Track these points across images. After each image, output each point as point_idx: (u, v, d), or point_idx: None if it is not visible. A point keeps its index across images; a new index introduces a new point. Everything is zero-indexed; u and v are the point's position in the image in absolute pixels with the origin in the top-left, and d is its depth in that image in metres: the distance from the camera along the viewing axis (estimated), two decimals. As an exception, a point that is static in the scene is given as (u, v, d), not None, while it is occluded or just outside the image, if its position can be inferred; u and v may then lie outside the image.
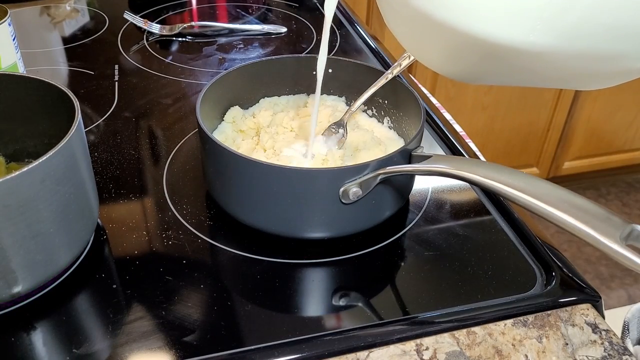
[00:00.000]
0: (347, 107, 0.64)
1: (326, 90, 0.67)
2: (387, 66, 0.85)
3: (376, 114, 0.65)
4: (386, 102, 0.63)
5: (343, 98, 0.67)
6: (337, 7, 1.08)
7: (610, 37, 0.37)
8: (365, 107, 0.65)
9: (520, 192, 0.43)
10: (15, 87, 0.52)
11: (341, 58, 0.65)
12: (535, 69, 0.40)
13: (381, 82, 0.60)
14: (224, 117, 0.62)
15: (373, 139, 0.60)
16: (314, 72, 0.54)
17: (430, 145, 0.68)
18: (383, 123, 0.64)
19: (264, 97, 0.66)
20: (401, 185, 0.54)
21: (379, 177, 0.48)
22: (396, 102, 0.61)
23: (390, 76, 0.60)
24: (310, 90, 0.67)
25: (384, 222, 0.54)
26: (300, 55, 0.73)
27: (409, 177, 0.55)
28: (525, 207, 0.43)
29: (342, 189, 0.48)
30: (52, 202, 0.43)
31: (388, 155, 0.49)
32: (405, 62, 0.61)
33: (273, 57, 0.64)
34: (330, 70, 0.64)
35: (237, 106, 0.63)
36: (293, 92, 0.67)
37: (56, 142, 0.42)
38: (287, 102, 0.66)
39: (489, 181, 0.45)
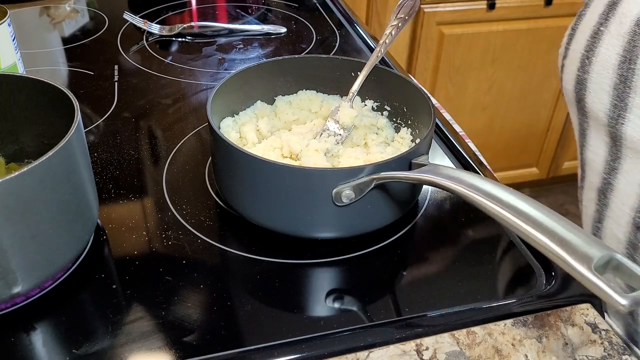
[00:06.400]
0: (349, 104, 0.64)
1: (327, 90, 0.67)
2: (386, 65, 0.85)
3: (398, 122, 0.64)
4: (405, 108, 0.62)
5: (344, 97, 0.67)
6: (337, 7, 1.08)
7: None
8: (388, 113, 0.65)
9: (503, 209, 0.43)
10: (15, 88, 0.52)
11: (343, 57, 0.65)
12: None
13: (372, 62, 0.61)
14: (233, 114, 0.62)
15: (386, 142, 0.61)
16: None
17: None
18: (399, 131, 0.63)
19: (277, 96, 0.66)
20: (400, 194, 0.53)
21: (373, 182, 0.48)
22: (414, 109, 0.61)
23: (379, 55, 0.62)
24: (318, 88, 0.66)
25: (383, 222, 0.54)
26: (313, 55, 0.73)
27: (411, 187, 0.54)
28: (506, 224, 0.43)
29: (334, 191, 0.48)
30: (52, 203, 0.43)
31: (385, 160, 0.49)
32: (389, 41, 0.62)
33: (286, 57, 0.65)
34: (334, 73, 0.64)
35: (259, 101, 0.64)
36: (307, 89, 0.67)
37: (56, 143, 0.42)
38: (302, 100, 0.66)
39: (472, 194, 0.45)
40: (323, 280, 0.50)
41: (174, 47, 0.92)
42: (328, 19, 1.03)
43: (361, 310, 0.47)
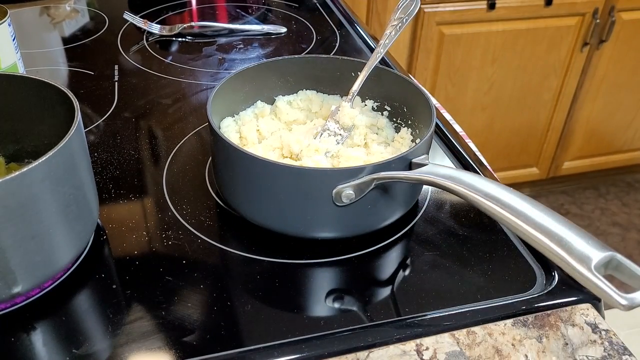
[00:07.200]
0: (349, 104, 0.64)
1: (327, 90, 0.67)
2: (386, 65, 0.85)
3: (398, 122, 0.64)
4: (405, 108, 0.62)
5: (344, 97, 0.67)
6: (337, 7, 1.08)
7: None
8: (388, 113, 0.65)
9: (503, 209, 0.43)
10: (15, 87, 0.52)
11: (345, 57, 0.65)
12: None
13: (372, 61, 0.61)
14: (233, 114, 0.62)
15: (388, 143, 0.61)
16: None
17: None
18: (399, 131, 0.63)
19: (277, 96, 0.66)
20: (400, 194, 0.53)
21: (374, 182, 0.48)
22: (414, 109, 0.61)
23: (379, 55, 0.61)
24: (318, 88, 0.66)
25: (383, 222, 0.54)
26: (313, 55, 0.73)
27: (411, 187, 0.54)
28: (506, 225, 0.43)
29: (334, 191, 0.48)
30: (52, 203, 0.43)
31: (385, 160, 0.49)
32: (389, 42, 0.62)
33: (286, 57, 0.65)
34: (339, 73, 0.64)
35: (259, 101, 0.64)
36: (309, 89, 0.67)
37: (56, 142, 0.42)
38: (302, 100, 0.66)
39: (472, 194, 0.45)
40: (323, 280, 0.50)
41: (174, 47, 0.92)
42: (328, 19, 1.03)
43: (361, 310, 0.47)
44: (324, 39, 0.96)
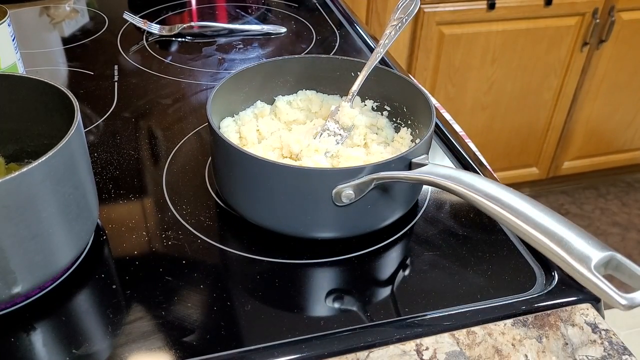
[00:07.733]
0: (348, 104, 0.64)
1: (327, 90, 0.67)
2: (386, 65, 0.85)
3: (398, 122, 0.64)
4: (405, 108, 0.62)
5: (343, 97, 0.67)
6: (337, 7, 1.08)
7: None
8: (388, 113, 0.65)
9: (503, 209, 0.43)
10: (15, 88, 0.52)
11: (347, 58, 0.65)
12: None
13: (372, 62, 0.61)
14: (233, 114, 0.62)
15: (388, 143, 0.61)
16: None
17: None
18: (399, 131, 0.63)
19: (277, 96, 0.66)
20: (400, 194, 0.53)
21: (373, 182, 0.48)
22: (414, 109, 0.61)
23: (379, 55, 0.61)
24: (318, 88, 0.66)
25: (383, 222, 0.54)
26: (313, 55, 0.73)
27: (411, 187, 0.54)
28: (506, 225, 0.43)
29: (334, 191, 0.48)
30: (52, 203, 0.43)
31: (385, 160, 0.49)
32: (389, 42, 0.62)
33: (286, 57, 0.64)
34: (339, 73, 0.64)
35: (259, 101, 0.64)
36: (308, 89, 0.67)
37: (56, 143, 0.42)
38: (302, 100, 0.66)
39: (472, 194, 0.45)
40: (323, 280, 0.50)
41: (174, 47, 0.92)
42: (328, 19, 1.03)
43: (361, 310, 0.47)
44: (323, 39, 0.96)
